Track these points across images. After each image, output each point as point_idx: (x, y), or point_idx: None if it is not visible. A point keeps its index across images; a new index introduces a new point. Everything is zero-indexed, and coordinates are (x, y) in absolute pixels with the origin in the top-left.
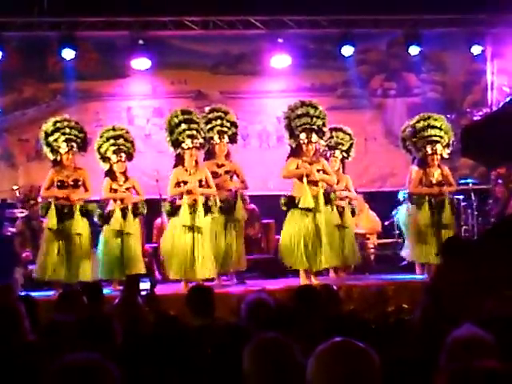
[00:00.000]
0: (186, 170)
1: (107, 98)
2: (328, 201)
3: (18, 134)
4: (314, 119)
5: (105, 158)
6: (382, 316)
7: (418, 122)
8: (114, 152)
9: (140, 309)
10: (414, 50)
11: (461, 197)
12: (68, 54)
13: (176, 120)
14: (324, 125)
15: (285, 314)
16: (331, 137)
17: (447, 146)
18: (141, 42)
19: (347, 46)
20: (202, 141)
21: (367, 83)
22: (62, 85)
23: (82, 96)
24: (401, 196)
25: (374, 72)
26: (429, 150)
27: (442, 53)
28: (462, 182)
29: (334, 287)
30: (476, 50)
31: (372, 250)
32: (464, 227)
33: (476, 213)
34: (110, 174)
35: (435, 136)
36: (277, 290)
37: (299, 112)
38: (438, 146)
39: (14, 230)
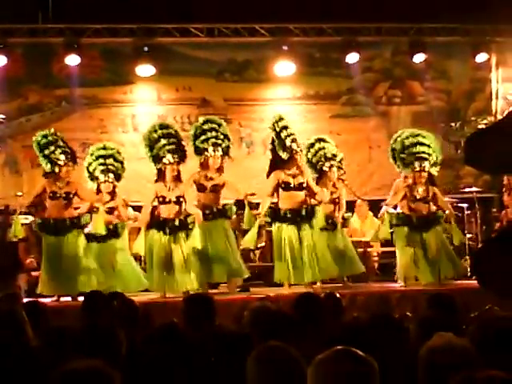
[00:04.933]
0: (166, 186)
1: (112, 105)
2: (312, 214)
3: (23, 140)
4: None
5: (93, 177)
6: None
7: (407, 137)
8: (102, 172)
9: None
10: (418, 58)
11: (465, 205)
12: (73, 60)
13: (155, 135)
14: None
15: (288, 323)
16: (322, 148)
17: (435, 164)
18: (145, 48)
19: (352, 54)
20: (181, 154)
21: (372, 91)
22: (66, 91)
23: (86, 102)
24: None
25: (378, 80)
26: (417, 166)
27: (446, 61)
28: (466, 190)
29: (338, 295)
30: (481, 58)
31: (376, 258)
32: (468, 235)
33: (480, 221)
34: (98, 194)
35: (424, 153)
36: (281, 297)
37: (284, 124)
38: (427, 164)
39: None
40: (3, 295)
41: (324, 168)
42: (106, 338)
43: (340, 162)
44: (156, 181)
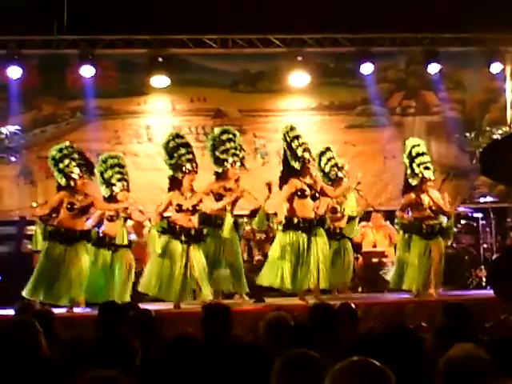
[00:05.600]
0: (182, 194)
1: (126, 116)
2: (322, 223)
3: (38, 151)
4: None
5: (108, 184)
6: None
7: (413, 146)
8: (119, 180)
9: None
10: (433, 69)
11: (480, 215)
12: (87, 71)
13: (174, 143)
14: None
15: (304, 333)
16: (332, 157)
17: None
18: (160, 59)
19: (366, 64)
20: (196, 165)
21: (386, 101)
22: (81, 102)
23: (101, 114)
24: None
25: (393, 90)
26: (425, 175)
27: (460, 71)
28: (481, 200)
29: (353, 305)
30: (495, 68)
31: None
32: (483, 246)
33: (495, 231)
34: (112, 200)
35: (428, 162)
36: (295, 308)
37: (295, 134)
38: (431, 173)
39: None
40: (18, 306)
41: (338, 176)
42: (120, 349)
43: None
44: (170, 189)
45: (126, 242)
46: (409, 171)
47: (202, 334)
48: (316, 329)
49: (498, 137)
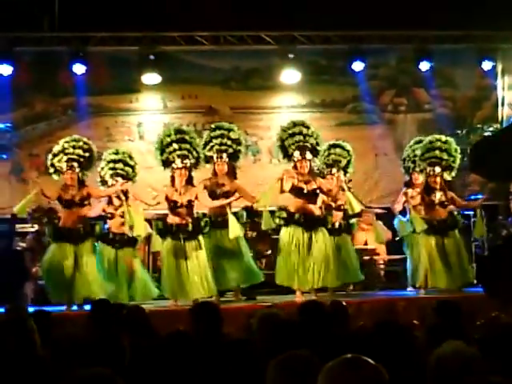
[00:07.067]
0: (176, 190)
1: (118, 113)
2: (324, 222)
3: (29, 148)
4: (307, 137)
5: (103, 182)
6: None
7: (424, 144)
8: (111, 176)
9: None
10: (424, 66)
11: (471, 213)
12: (79, 68)
13: (168, 139)
14: (318, 144)
15: (296, 330)
16: (329, 154)
17: (450, 168)
18: (151, 57)
19: (357, 62)
20: (193, 161)
21: (377, 99)
22: (72, 100)
23: (92, 111)
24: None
25: (384, 87)
26: (429, 171)
27: (452, 68)
28: (472, 198)
29: (344, 303)
30: (486, 65)
31: (382, 266)
32: (474, 243)
33: (486, 228)
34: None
35: (435, 158)
36: (286, 305)
37: (291, 131)
38: (437, 168)
39: (24, 244)
40: (11, 304)
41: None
42: (110, 347)
43: (344, 169)
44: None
45: (144, 234)
46: (417, 168)
47: (192, 333)
48: (305, 326)
49: (489, 134)
